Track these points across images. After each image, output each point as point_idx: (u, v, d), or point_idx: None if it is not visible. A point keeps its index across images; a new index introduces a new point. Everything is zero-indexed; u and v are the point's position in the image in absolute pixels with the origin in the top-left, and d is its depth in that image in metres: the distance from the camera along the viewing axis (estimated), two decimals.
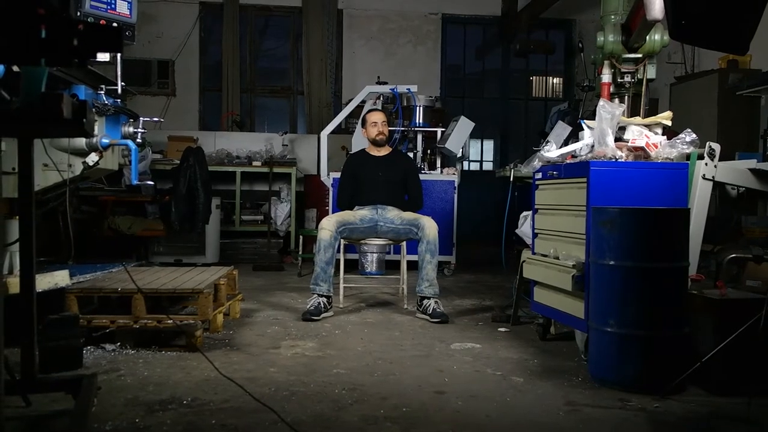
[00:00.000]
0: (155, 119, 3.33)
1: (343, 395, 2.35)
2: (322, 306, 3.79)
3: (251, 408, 2.17)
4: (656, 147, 2.82)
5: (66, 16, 1.45)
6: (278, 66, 8.74)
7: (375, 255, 5.56)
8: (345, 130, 6.67)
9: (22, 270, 2.07)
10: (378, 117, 4.38)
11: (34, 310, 2.07)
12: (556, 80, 9.27)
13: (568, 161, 3.01)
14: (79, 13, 2.77)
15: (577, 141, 3.11)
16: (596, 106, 2.90)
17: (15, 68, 1.75)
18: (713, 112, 5.58)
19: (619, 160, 2.76)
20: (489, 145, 9.36)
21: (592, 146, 2.88)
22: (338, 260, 4.08)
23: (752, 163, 3.36)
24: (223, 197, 6.53)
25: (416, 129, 5.96)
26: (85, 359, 2.72)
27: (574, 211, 2.85)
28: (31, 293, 2.07)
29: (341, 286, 4.14)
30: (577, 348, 2.93)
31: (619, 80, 3.15)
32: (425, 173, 5.73)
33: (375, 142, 4.36)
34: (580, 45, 5.17)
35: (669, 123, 2.97)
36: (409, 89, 5.94)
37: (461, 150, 5.76)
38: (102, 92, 2.88)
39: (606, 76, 3.15)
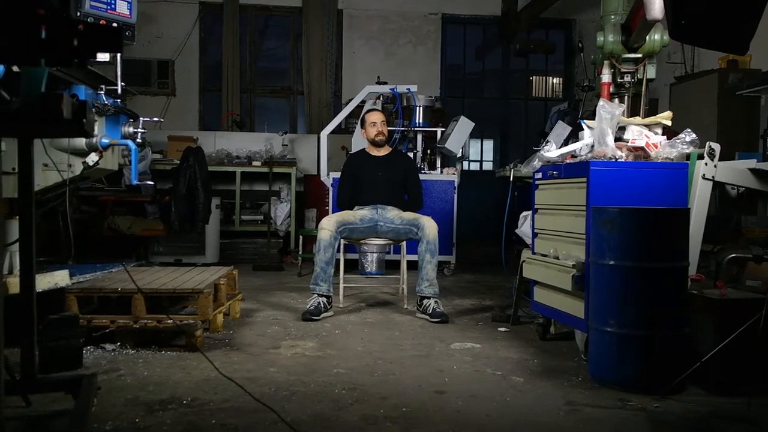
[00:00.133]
0: (155, 119, 3.33)
1: (343, 395, 2.35)
2: (322, 306, 3.79)
3: (251, 408, 2.17)
4: (656, 147, 2.82)
5: (66, 17, 1.45)
6: (278, 66, 8.74)
7: (375, 255, 5.56)
8: (345, 130, 6.67)
9: (22, 270, 2.07)
10: (377, 117, 4.38)
11: (34, 310, 2.07)
12: (556, 80, 9.27)
13: (568, 161, 3.01)
14: (79, 14, 2.77)
15: (577, 141, 3.11)
16: (596, 106, 2.90)
17: (15, 68, 1.75)
18: (713, 112, 5.58)
19: (619, 160, 2.76)
20: (489, 145, 9.37)
21: (592, 146, 2.88)
22: (338, 260, 4.08)
23: (752, 163, 3.36)
24: (223, 197, 6.54)
25: (416, 129, 5.96)
26: (85, 359, 2.72)
27: (574, 211, 2.85)
28: (31, 293, 2.07)
29: (341, 286, 4.14)
30: (577, 348, 2.93)
31: (618, 80, 3.15)
32: (425, 173, 5.74)
33: (374, 143, 4.35)
34: (580, 45, 5.16)
35: (669, 123, 2.97)
36: (409, 89, 5.94)
37: (461, 150, 5.76)
38: (102, 92, 2.88)
39: (606, 76, 3.15)
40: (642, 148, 2.82)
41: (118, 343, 2.95)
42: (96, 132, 2.85)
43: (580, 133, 3.11)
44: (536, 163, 3.28)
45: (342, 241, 4.08)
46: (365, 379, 2.56)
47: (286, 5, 8.30)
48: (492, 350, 3.08)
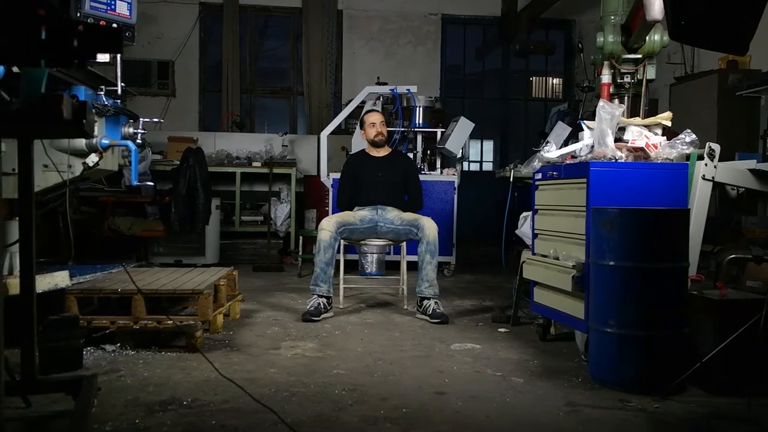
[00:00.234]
0: (155, 120, 3.33)
1: (343, 396, 2.35)
2: (322, 307, 3.79)
3: (251, 409, 2.17)
4: (656, 147, 2.82)
5: (66, 17, 1.45)
6: (278, 66, 8.75)
7: (375, 256, 5.56)
8: (345, 130, 6.67)
9: (22, 271, 2.07)
10: (376, 118, 4.38)
11: (34, 311, 2.07)
12: (555, 81, 9.28)
13: (567, 162, 3.01)
14: (78, 14, 2.77)
15: (577, 141, 3.11)
16: (596, 106, 2.90)
17: (15, 69, 1.75)
18: (713, 113, 5.58)
19: (619, 160, 2.76)
20: (489, 145, 9.37)
21: (592, 147, 2.88)
22: (338, 261, 4.08)
23: (752, 164, 3.36)
24: (223, 198, 6.54)
25: (416, 129, 5.96)
26: (85, 360, 2.72)
27: (573, 212, 2.85)
28: (31, 294, 2.07)
29: (341, 286, 4.14)
30: (577, 348, 2.93)
31: (618, 81, 3.15)
32: (425, 174, 5.73)
33: (374, 143, 4.36)
34: (580, 45, 5.16)
35: (669, 123, 2.97)
36: (408, 90, 5.94)
37: (461, 150, 5.76)
38: (102, 93, 2.88)
39: (606, 77, 3.15)
40: (642, 149, 2.82)
41: (118, 344, 2.95)
42: (96, 133, 2.85)
43: (580, 133, 3.10)
44: (536, 164, 3.28)
45: (342, 241, 4.08)
46: (365, 380, 2.55)
47: (286, 6, 8.31)
48: (492, 351, 3.08)
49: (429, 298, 3.82)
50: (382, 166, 4.31)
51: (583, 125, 3.04)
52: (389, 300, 4.48)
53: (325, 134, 6.03)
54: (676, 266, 2.47)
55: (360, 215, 4.12)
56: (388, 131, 4.54)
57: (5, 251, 2.66)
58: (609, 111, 2.79)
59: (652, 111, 3.41)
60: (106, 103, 2.87)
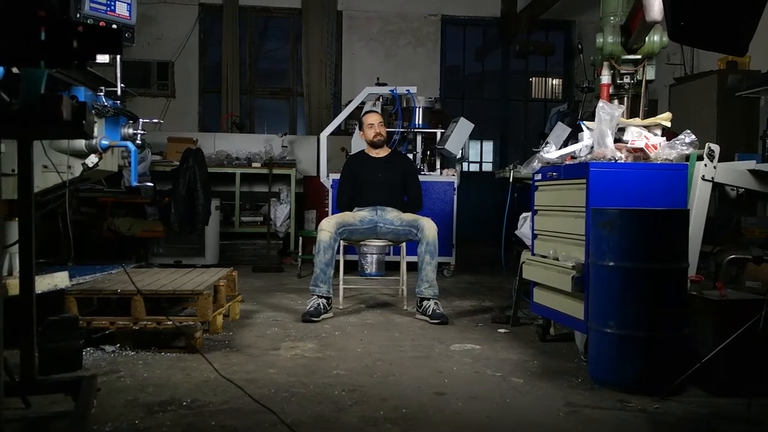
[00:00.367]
0: (155, 121, 3.34)
1: (342, 396, 2.35)
2: (322, 307, 3.79)
3: (251, 409, 2.17)
4: (655, 148, 2.83)
5: (66, 18, 1.45)
6: (278, 67, 8.75)
7: (375, 256, 5.56)
8: (344, 131, 6.67)
9: (22, 271, 2.07)
10: (374, 118, 4.38)
11: (33, 312, 2.07)
12: (555, 81, 9.28)
13: (567, 162, 3.01)
14: (78, 15, 2.77)
15: (577, 142, 3.11)
16: (596, 107, 2.90)
17: (15, 70, 1.75)
18: (712, 113, 5.58)
19: (619, 161, 2.76)
20: (488, 146, 9.37)
21: (592, 147, 2.88)
22: (338, 261, 4.08)
23: (751, 164, 3.36)
24: (223, 198, 6.53)
25: (416, 130, 5.96)
26: (84, 361, 2.72)
27: (573, 212, 2.85)
28: (30, 295, 2.07)
29: (341, 287, 4.14)
30: (577, 349, 2.93)
31: (618, 81, 3.15)
32: (425, 174, 5.74)
33: (373, 144, 4.36)
34: (580, 46, 5.16)
35: (668, 124, 2.97)
36: (408, 90, 5.94)
37: (461, 151, 5.75)
38: (101, 94, 2.89)
39: (605, 78, 3.15)
40: (641, 149, 2.82)
41: (118, 345, 2.95)
42: (95, 133, 2.85)
43: (579, 134, 3.11)
44: (536, 165, 3.29)
45: (341, 242, 4.08)
46: (365, 381, 2.55)
47: (285, 6, 8.31)
48: (492, 351, 3.08)
49: (429, 299, 3.82)
50: (382, 166, 4.31)
51: (583, 126, 3.04)
52: (389, 300, 4.48)
53: (324, 135, 6.03)
54: (675, 267, 2.47)
55: (360, 216, 4.13)
56: (387, 132, 4.54)
57: (5, 252, 2.66)
58: (608, 112, 2.79)
59: (651, 112, 3.42)
60: (105, 103, 2.88)
